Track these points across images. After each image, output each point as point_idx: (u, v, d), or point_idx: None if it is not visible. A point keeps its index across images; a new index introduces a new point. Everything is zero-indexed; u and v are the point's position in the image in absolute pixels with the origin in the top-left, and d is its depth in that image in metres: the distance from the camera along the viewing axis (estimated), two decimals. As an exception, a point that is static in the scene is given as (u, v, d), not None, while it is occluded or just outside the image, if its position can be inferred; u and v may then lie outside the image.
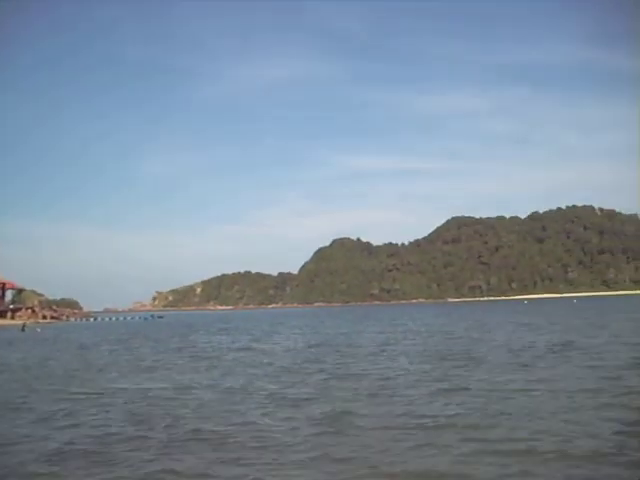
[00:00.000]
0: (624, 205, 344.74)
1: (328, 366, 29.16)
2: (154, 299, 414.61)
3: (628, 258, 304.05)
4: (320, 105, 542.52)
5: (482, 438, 13.99)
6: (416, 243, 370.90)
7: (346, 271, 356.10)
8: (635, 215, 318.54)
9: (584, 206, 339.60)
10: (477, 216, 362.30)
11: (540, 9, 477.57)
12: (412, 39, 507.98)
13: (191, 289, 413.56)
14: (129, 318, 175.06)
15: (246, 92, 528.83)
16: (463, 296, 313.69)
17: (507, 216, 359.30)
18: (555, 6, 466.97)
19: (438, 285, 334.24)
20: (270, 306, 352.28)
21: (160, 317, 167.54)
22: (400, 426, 15.52)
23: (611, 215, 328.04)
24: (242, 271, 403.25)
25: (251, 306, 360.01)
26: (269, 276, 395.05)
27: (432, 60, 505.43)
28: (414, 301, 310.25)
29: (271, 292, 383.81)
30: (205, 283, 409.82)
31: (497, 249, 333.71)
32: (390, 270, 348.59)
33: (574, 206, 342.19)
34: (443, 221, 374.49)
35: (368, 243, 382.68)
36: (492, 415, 16.31)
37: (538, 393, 19.17)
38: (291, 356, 35.81)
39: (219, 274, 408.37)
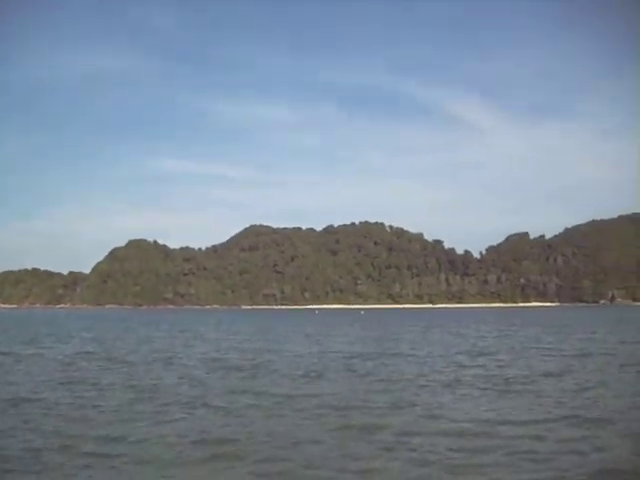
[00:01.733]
0: (411, 224, 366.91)
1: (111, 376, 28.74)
2: None
3: (412, 274, 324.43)
4: (126, 101, 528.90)
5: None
6: (213, 249, 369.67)
7: (140, 273, 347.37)
8: (421, 234, 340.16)
9: (376, 223, 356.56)
10: (275, 226, 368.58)
11: (353, 33, 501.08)
12: (228, 47, 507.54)
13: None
14: None
15: (53, 79, 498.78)
16: (257, 304, 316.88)
17: (304, 227, 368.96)
18: (368, 33, 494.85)
19: (232, 291, 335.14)
20: (58, 306, 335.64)
21: None
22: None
23: (399, 233, 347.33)
24: (29, 268, 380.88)
25: (37, 305, 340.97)
26: (59, 275, 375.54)
27: (244, 69, 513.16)
28: (208, 307, 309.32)
29: (60, 292, 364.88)
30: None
31: (292, 259, 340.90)
32: (185, 274, 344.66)
33: (367, 222, 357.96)
34: (242, 228, 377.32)
35: (165, 246, 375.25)
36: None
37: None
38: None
39: (3, 270, 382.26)
